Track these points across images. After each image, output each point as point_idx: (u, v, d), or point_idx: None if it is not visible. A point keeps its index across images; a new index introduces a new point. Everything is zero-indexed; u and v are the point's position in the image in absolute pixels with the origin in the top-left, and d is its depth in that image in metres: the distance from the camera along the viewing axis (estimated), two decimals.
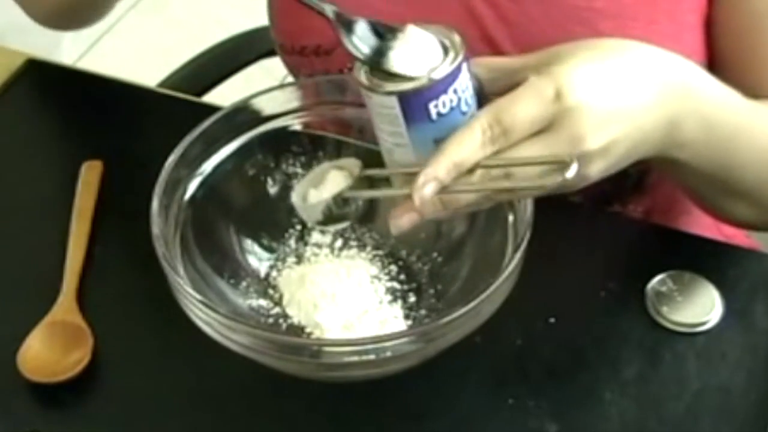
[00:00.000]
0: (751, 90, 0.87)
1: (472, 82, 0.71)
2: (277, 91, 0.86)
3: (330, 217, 0.78)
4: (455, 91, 0.70)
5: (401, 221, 0.72)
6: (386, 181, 0.76)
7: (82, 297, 0.88)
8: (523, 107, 0.69)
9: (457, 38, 0.71)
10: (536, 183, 0.69)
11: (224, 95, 1.07)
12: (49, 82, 1.09)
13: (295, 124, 0.87)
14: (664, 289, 0.87)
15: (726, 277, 0.88)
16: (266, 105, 0.86)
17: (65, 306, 0.87)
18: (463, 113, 0.71)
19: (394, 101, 0.70)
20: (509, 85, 0.72)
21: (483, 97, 0.72)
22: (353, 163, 0.78)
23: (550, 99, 0.69)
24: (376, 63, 0.71)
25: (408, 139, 0.71)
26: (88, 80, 1.11)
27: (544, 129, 0.70)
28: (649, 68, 0.75)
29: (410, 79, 0.69)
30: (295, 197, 0.80)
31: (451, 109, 0.70)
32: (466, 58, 0.70)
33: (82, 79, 1.12)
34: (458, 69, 0.70)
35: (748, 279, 0.89)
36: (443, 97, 0.69)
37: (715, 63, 0.93)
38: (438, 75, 0.69)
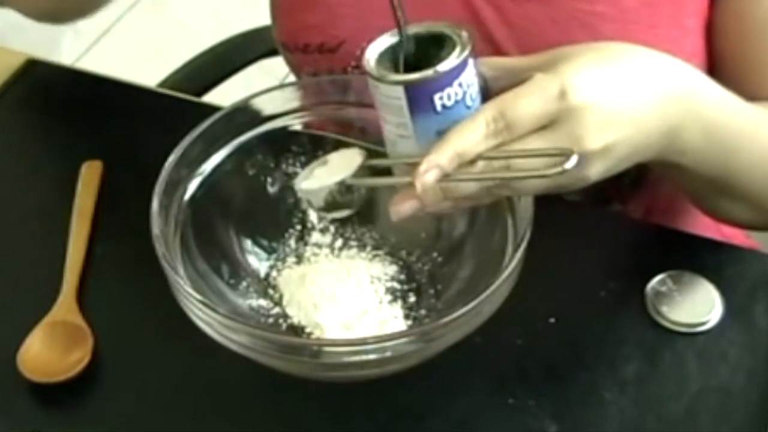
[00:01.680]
0: (751, 94, 0.87)
1: (477, 79, 0.72)
2: (277, 91, 0.86)
3: (332, 204, 0.78)
4: (460, 85, 0.70)
5: (402, 208, 0.72)
6: (389, 172, 0.77)
7: (82, 297, 0.88)
8: (528, 103, 0.70)
9: (464, 33, 0.71)
10: (536, 172, 0.69)
11: (224, 95, 1.07)
12: (49, 82, 1.09)
13: (295, 124, 0.87)
14: (664, 289, 0.87)
15: (726, 277, 0.88)
16: (266, 105, 0.86)
17: (65, 306, 0.87)
18: (468, 107, 0.71)
19: (400, 91, 0.70)
20: (513, 84, 0.72)
21: (487, 95, 0.73)
22: (356, 153, 0.79)
23: (554, 96, 0.70)
24: None
25: (412, 130, 0.71)
26: (88, 80, 1.11)
27: (546, 126, 0.70)
28: (652, 74, 0.75)
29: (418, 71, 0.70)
30: (297, 181, 0.80)
31: (456, 102, 0.71)
32: (473, 54, 0.71)
33: (82, 79, 1.12)
34: (464, 63, 0.70)
35: (748, 279, 0.89)
36: (448, 90, 0.70)
37: (716, 67, 0.93)
38: (444, 67, 0.70)
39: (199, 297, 0.74)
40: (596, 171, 0.72)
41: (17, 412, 0.82)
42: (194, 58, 1.28)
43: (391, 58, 0.73)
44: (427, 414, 0.81)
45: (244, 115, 0.85)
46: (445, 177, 0.70)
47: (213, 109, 0.85)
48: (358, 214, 0.89)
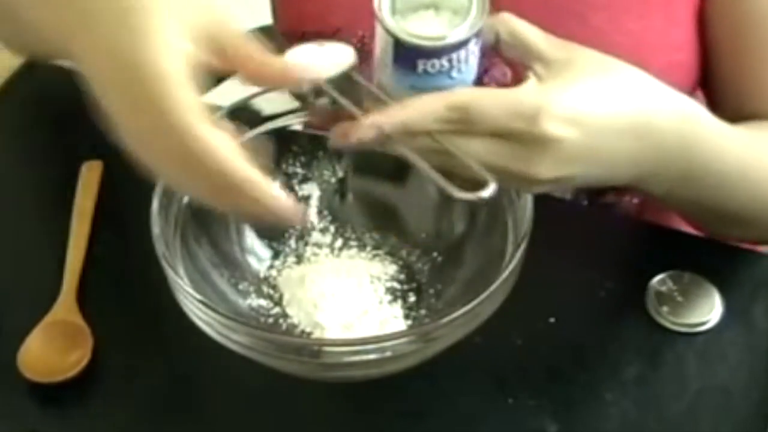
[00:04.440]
0: (743, 88, 0.87)
1: (477, 54, 0.72)
2: (277, 91, 0.86)
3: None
4: (450, 60, 0.71)
5: (336, 142, 0.73)
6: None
7: (82, 297, 0.88)
8: (496, 111, 0.69)
9: (486, 6, 0.71)
10: (453, 191, 0.69)
11: (224, 95, 1.07)
12: (49, 82, 1.09)
13: (295, 124, 0.87)
14: (664, 289, 0.87)
15: (726, 277, 0.88)
16: (266, 105, 0.86)
17: (65, 306, 0.87)
18: (452, 78, 0.71)
19: (390, 41, 0.71)
20: (520, 57, 0.73)
21: (492, 54, 0.73)
22: (348, 53, 0.76)
23: (525, 117, 0.69)
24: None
25: (391, 73, 0.72)
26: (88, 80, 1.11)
27: (505, 136, 0.70)
28: (647, 120, 0.74)
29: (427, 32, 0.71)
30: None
31: (439, 72, 0.71)
32: (477, 34, 0.71)
33: (82, 79, 1.12)
34: (462, 44, 0.70)
35: (748, 279, 0.89)
36: (435, 60, 0.70)
37: (708, 59, 0.93)
38: (437, 43, 0.70)
39: (199, 297, 0.74)
40: (541, 190, 0.73)
41: (17, 412, 0.82)
42: None
43: None
44: (427, 414, 0.81)
45: (244, 115, 0.85)
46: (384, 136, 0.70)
47: (213, 109, 0.85)
48: (358, 214, 0.89)
